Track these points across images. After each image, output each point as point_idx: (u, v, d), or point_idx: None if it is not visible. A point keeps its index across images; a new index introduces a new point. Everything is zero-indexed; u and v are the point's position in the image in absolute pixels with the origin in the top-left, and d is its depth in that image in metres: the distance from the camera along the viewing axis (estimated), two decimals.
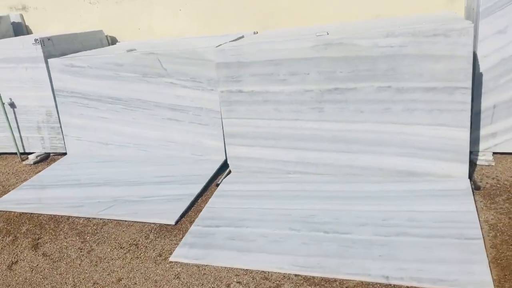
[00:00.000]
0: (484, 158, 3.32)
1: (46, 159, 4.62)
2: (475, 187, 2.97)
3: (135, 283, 2.47)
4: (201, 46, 3.70)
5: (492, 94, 3.26)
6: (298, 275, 2.38)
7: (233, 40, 3.77)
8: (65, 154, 4.50)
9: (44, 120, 4.50)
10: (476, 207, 2.72)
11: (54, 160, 4.48)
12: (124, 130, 4.13)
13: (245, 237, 2.70)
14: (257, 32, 4.54)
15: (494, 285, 2.10)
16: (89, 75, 4.06)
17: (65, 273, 2.65)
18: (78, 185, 3.72)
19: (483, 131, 3.36)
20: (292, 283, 2.32)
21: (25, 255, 2.89)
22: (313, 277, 2.34)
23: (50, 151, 4.65)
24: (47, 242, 3.01)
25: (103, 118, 4.17)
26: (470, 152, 3.37)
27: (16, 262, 2.83)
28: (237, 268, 2.49)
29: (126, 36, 5.24)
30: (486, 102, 3.30)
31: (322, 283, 2.30)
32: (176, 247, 2.74)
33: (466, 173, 2.96)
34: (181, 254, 2.65)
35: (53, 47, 4.39)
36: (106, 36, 5.24)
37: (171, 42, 4.46)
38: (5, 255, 2.91)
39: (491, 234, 2.52)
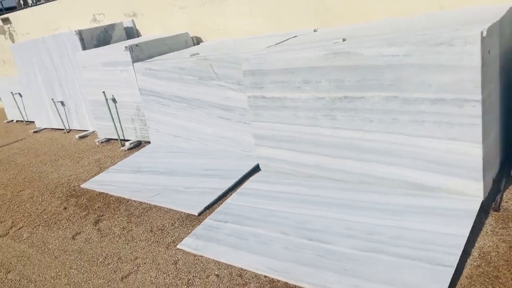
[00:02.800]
0: None
1: (138, 146, 5.50)
2: (494, 208, 2.72)
3: (145, 263, 3.00)
4: (249, 50, 3.97)
5: None
6: (267, 276, 2.60)
7: (280, 42, 3.96)
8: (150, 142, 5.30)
9: (135, 114, 5.36)
10: (482, 230, 2.53)
11: (144, 147, 5.31)
12: (189, 125, 4.70)
13: (241, 235, 3.00)
14: (317, 30, 4.59)
15: None
16: (161, 77, 4.71)
17: (105, 246, 3.32)
18: (145, 172, 4.43)
19: None
20: (258, 283, 2.56)
21: (87, 228, 3.67)
22: (278, 281, 2.54)
23: (141, 139, 5.51)
24: (105, 219, 3.75)
25: (173, 114, 4.80)
26: (510, 165, 3.03)
27: (79, 233, 3.62)
28: (222, 262, 2.81)
29: (209, 36, 5.78)
30: None
31: (281, 287, 2.48)
32: (187, 236, 3.18)
33: (480, 191, 2.72)
34: (187, 243, 3.08)
35: (141, 52, 5.15)
36: (192, 37, 5.86)
37: (236, 44, 4.82)
38: (76, 227, 3.74)
39: (475, 263, 2.35)
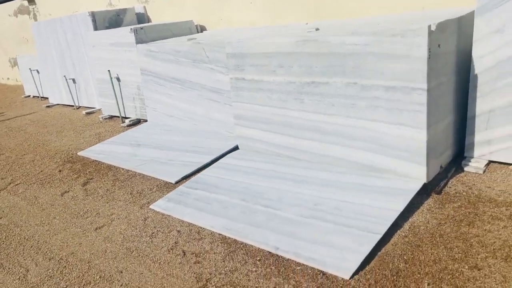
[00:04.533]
0: (475, 165, 3.16)
1: (137, 123, 5.85)
2: (436, 191, 2.94)
3: (118, 218, 3.32)
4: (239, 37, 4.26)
5: (488, 98, 3.07)
6: (221, 234, 2.88)
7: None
8: (147, 121, 5.65)
9: (136, 93, 5.71)
10: (419, 209, 2.77)
11: (141, 124, 5.65)
12: (182, 106, 5.02)
13: (206, 200, 3.29)
14: (307, 23, 4.85)
15: (353, 272, 2.29)
16: (160, 59, 5.04)
17: (87, 204, 3.66)
18: (137, 145, 4.77)
19: (478, 137, 3.18)
20: (212, 238, 2.85)
21: (75, 188, 4.02)
22: (229, 238, 2.82)
23: (140, 118, 5.86)
24: (93, 182, 4.10)
25: (168, 94, 5.12)
26: (464, 157, 3.24)
27: (68, 191, 3.98)
28: (186, 221, 3.11)
29: (212, 26, 6.10)
30: (481, 106, 3.12)
31: (231, 243, 2.77)
32: (160, 199, 3.49)
33: (423, 175, 2.95)
34: (158, 204, 3.40)
35: (145, 35, 5.50)
36: (196, 25, 6.18)
37: (235, 33, 5.12)
38: (66, 186, 4.10)
39: (403, 234, 2.59)
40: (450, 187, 3.01)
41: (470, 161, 3.20)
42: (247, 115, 3.89)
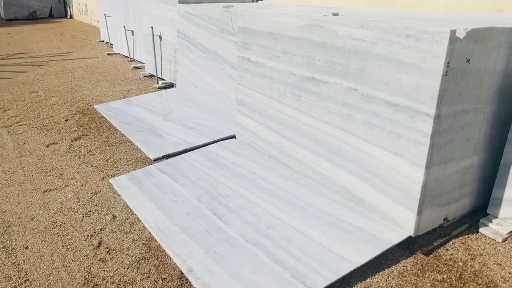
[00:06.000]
0: (495, 228, 2.36)
1: (170, 87, 5.59)
2: (423, 251, 2.23)
3: (74, 185, 3.06)
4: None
5: None
6: (150, 234, 2.48)
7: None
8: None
9: (173, 55, 5.41)
10: (388, 268, 2.12)
11: (168, 89, 5.38)
12: (205, 77, 4.61)
13: (163, 189, 2.89)
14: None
15: None
16: (194, 22, 4.65)
17: (61, 160, 3.47)
18: (148, 111, 4.49)
19: (509, 192, 2.36)
20: (139, 236, 2.46)
21: (64, 141, 3.86)
22: (155, 241, 2.41)
23: (173, 82, 5.58)
24: (84, 139, 3.90)
25: (196, 63, 4.74)
26: (485, 215, 2.46)
27: (55, 143, 3.83)
28: (130, 207, 2.75)
29: None
30: None
31: (153, 247, 2.36)
32: (121, 176, 3.17)
33: (411, 225, 2.24)
34: (118, 180, 3.08)
35: None
36: None
37: (285, 7, 4.54)
38: (57, 137, 3.95)
39: None
40: (447, 250, 2.26)
41: (491, 222, 2.40)
42: (247, 101, 3.37)
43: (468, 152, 2.30)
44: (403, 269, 2.13)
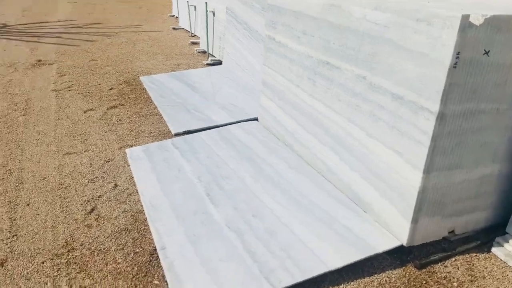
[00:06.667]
0: (509, 249, 2.06)
1: (218, 64, 5.58)
2: (416, 263, 2.01)
3: (92, 151, 3.18)
4: None
5: None
6: (142, 207, 2.50)
7: None
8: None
9: (222, 33, 5.38)
10: (371, 276, 1.94)
11: (216, 66, 5.38)
12: (247, 56, 4.53)
13: (170, 164, 2.90)
14: None
15: None
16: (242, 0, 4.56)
17: (91, 126, 3.61)
18: (187, 85, 4.52)
19: None
20: (130, 207, 2.50)
21: (101, 109, 4.02)
22: (143, 214, 2.43)
23: (221, 59, 5.57)
24: (119, 108, 4.04)
25: (240, 41, 4.67)
26: (504, 234, 2.15)
27: (91, 110, 4.00)
28: (133, 179, 2.80)
29: None
30: None
31: (140, 221, 2.38)
32: (138, 146, 3.22)
33: (404, 233, 2.01)
34: (132, 151, 3.14)
35: None
36: None
37: None
38: (96, 104, 4.13)
39: None
40: (445, 266, 2.00)
41: (507, 242, 2.08)
42: (270, 83, 3.23)
43: (485, 160, 1.99)
44: (385, 280, 1.92)
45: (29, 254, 2.09)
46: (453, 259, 2.05)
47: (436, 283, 1.90)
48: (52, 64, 5.54)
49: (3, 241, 2.19)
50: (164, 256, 2.03)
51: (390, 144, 2.04)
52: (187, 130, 3.47)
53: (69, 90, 4.52)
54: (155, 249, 2.11)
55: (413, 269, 1.98)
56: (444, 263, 2.02)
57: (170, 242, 2.12)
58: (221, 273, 1.91)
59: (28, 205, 2.50)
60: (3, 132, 3.48)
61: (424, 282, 1.91)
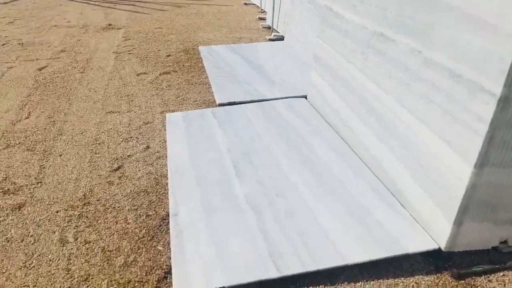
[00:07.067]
0: None
1: (281, 39, 5.38)
2: (454, 272, 1.73)
3: (134, 112, 3.16)
4: None
5: None
6: (167, 172, 2.42)
7: None
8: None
9: (288, 8, 5.15)
10: (397, 277, 1.70)
11: (277, 41, 5.18)
12: (309, 33, 4.28)
13: (204, 131, 2.79)
14: None
15: None
16: None
17: (138, 90, 3.61)
18: (244, 59, 4.38)
19: None
20: (155, 169, 2.42)
21: (154, 74, 4.01)
22: (165, 180, 2.35)
23: (283, 35, 5.35)
24: (172, 74, 4.00)
25: (303, 16, 4.42)
26: None
27: (145, 74, 4.00)
28: (165, 144, 2.73)
29: None
30: None
31: (161, 185, 2.30)
32: (178, 112, 3.15)
33: (444, 236, 1.73)
34: (172, 116, 3.07)
35: None
36: None
37: None
38: (150, 69, 4.13)
39: None
40: (489, 281, 1.69)
41: None
42: (323, 57, 2.98)
43: None
44: (412, 285, 1.66)
45: (47, 202, 2.08)
46: (501, 273, 1.72)
47: None
48: (120, 28, 5.66)
49: (27, 186, 2.20)
50: (174, 222, 1.92)
51: (440, 131, 1.74)
52: (232, 102, 3.33)
53: (129, 54, 4.56)
54: (168, 215, 2.00)
55: (449, 278, 1.70)
56: (488, 277, 1.70)
57: (184, 210, 2.01)
58: (227, 248, 1.76)
59: (60, 155, 2.51)
60: (58, 86, 3.57)
61: None
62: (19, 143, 2.62)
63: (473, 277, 1.70)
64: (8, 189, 2.16)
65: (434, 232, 1.78)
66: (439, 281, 1.69)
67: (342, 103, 2.64)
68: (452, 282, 1.68)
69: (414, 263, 1.76)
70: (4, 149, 2.55)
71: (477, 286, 1.66)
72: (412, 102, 1.94)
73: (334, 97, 2.76)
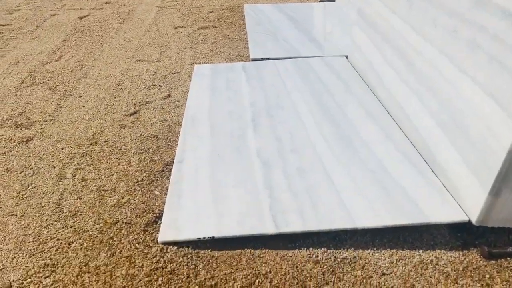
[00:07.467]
0: None
1: (332, 1, 5.04)
2: (485, 251, 1.47)
3: (163, 61, 3.05)
4: None
5: None
6: (184, 124, 2.30)
7: None
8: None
9: None
10: (421, 249, 1.49)
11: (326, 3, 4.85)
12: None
13: (231, 83, 2.63)
14: None
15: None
16: None
17: (174, 41, 3.49)
18: (288, 18, 4.12)
19: None
20: (175, 122, 2.31)
21: (193, 27, 3.87)
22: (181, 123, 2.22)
23: None
24: (210, 29, 3.84)
25: None
26: None
27: (183, 27, 3.87)
28: (188, 91, 2.60)
29: None
30: None
31: (176, 127, 2.18)
32: (207, 64, 3.00)
33: (477, 207, 1.46)
34: (200, 67, 2.92)
35: None
36: None
37: None
38: (190, 23, 3.99)
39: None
40: None
41: None
42: (365, 12, 2.69)
43: None
44: (431, 260, 1.42)
45: (55, 139, 2.03)
46: None
47: (504, 282, 1.34)
48: None
49: (39, 122, 2.17)
50: (177, 169, 1.80)
51: (485, 84, 1.46)
52: (266, 57, 3.13)
53: (172, 8, 4.46)
54: (173, 162, 1.88)
55: (477, 256, 1.44)
56: None
57: (191, 157, 1.87)
58: (226, 199, 1.60)
59: (80, 97, 2.46)
60: (94, 34, 3.54)
61: (487, 276, 1.36)
62: (43, 82, 2.60)
63: (507, 258, 1.43)
64: (21, 124, 2.13)
65: (465, 202, 1.51)
66: (465, 258, 1.44)
67: (381, 58, 2.36)
68: (480, 261, 1.42)
69: (438, 235, 1.52)
70: (28, 86, 2.54)
71: (506, 268, 1.40)
72: (457, 51, 1.65)
73: (373, 52, 2.48)
